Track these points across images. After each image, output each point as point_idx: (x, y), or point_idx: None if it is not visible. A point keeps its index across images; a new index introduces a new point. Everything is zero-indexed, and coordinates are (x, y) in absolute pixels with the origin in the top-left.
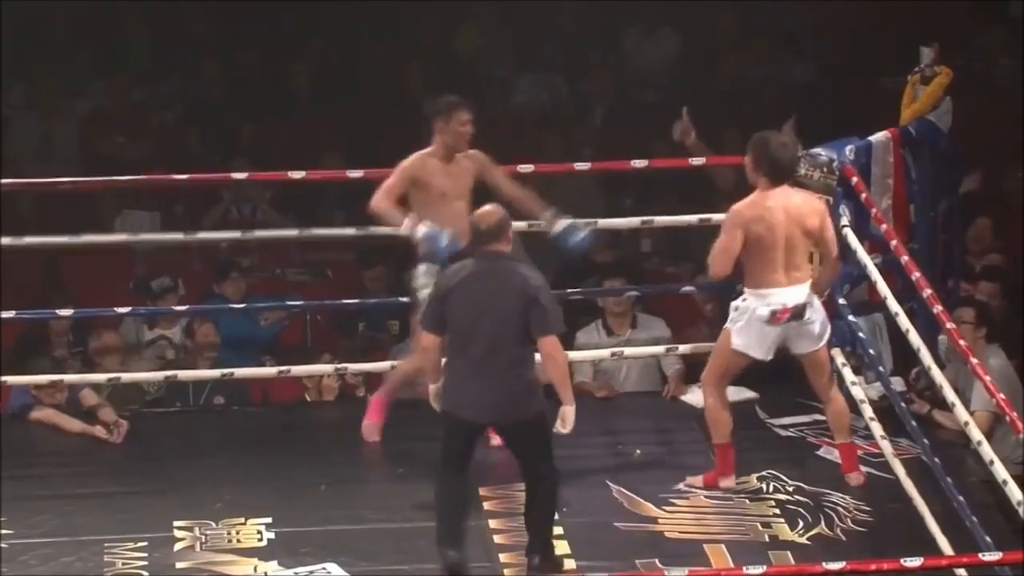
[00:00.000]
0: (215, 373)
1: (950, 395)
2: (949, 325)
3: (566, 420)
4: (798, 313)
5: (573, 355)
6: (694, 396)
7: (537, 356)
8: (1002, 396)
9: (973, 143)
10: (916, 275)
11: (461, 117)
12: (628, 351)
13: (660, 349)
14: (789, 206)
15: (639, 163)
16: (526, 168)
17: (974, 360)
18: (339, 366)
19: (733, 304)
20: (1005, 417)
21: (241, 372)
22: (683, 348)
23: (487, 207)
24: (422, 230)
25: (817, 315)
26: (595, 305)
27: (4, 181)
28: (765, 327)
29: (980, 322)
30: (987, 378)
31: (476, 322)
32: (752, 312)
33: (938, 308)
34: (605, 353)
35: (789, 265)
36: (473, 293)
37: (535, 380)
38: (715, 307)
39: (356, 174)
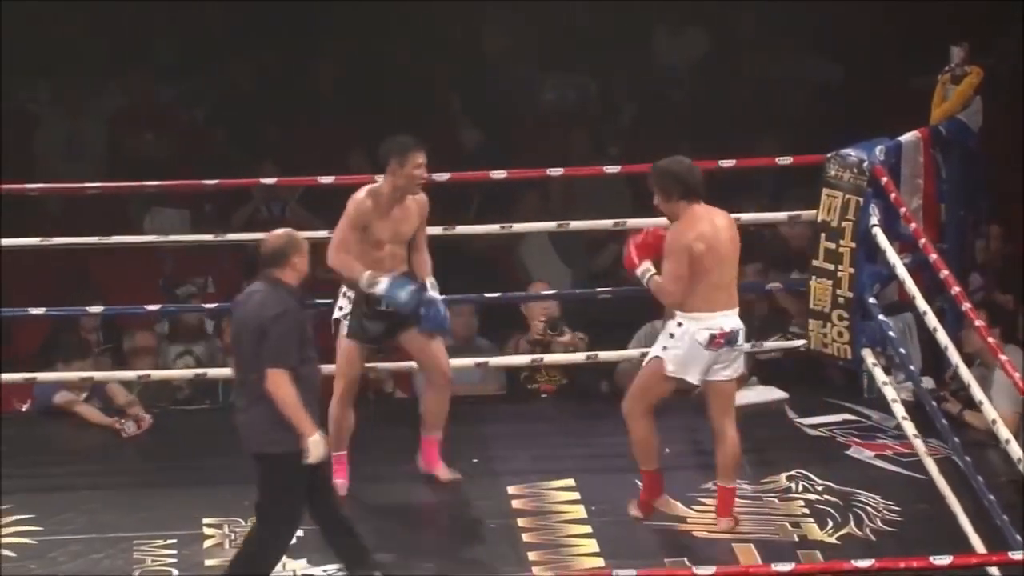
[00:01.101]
0: None
1: (978, 394)
2: (977, 323)
3: (310, 450)
4: (732, 338)
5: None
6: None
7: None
8: None
9: (1000, 143)
10: (944, 273)
11: (416, 159)
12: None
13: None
14: (719, 223)
15: None
16: (556, 171)
17: (1004, 357)
18: (368, 365)
19: (666, 331)
20: None
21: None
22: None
23: (278, 231)
24: (382, 284)
25: (743, 342)
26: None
27: (33, 186)
28: (703, 351)
29: (992, 324)
30: (1017, 375)
31: (235, 347)
32: (691, 336)
33: (966, 306)
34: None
35: (726, 286)
36: (235, 316)
37: (278, 416)
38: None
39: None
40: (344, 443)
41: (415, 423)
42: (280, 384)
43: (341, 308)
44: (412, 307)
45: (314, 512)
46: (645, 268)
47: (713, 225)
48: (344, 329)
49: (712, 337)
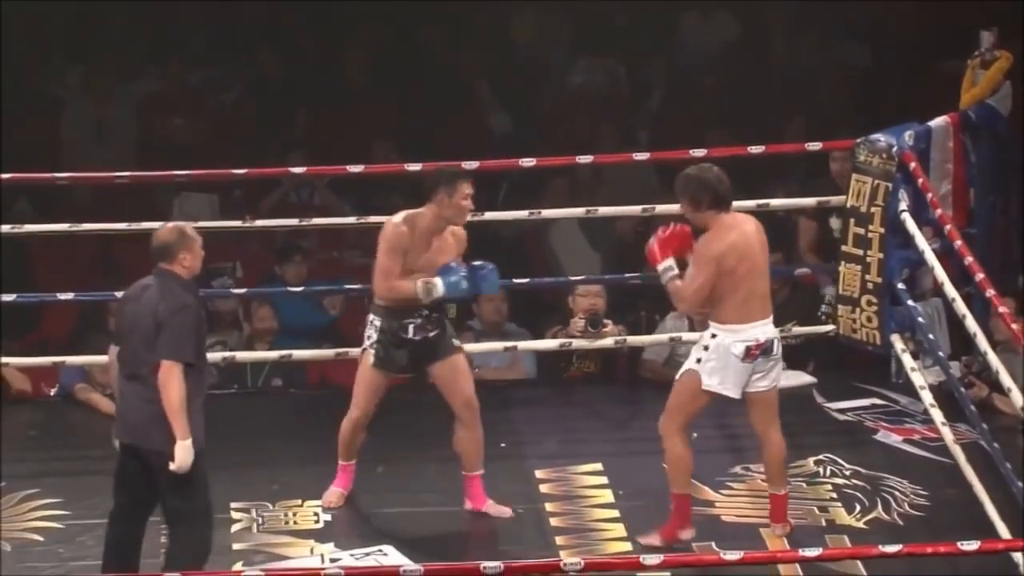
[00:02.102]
0: (273, 355)
1: (1006, 380)
2: (1001, 309)
3: (177, 456)
4: (768, 348)
5: (646, 338)
6: None
7: None
8: None
9: None
10: (969, 260)
11: (465, 190)
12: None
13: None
14: (749, 231)
15: (697, 152)
16: (585, 159)
17: None
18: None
19: (700, 344)
20: None
21: (299, 354)
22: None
23: (168, 224)
24: (439, 286)
25: (779, 351)
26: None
27: (62, 175)
28: (740, 364)
29: (1020, 313)
30: None
31: (126, 340)
32: (726, 349)
33: (990, 292)
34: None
35: (760, 296)
36: (125, 310)
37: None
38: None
39: (414, 167)
40: (353, 455)
41: (444, 405)
42: (171, 378)
43: (369, 338)
44: (474, 288)
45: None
46: (668, 266)
47: (744, 234)
48: (370, 359)
49: (748, 349)
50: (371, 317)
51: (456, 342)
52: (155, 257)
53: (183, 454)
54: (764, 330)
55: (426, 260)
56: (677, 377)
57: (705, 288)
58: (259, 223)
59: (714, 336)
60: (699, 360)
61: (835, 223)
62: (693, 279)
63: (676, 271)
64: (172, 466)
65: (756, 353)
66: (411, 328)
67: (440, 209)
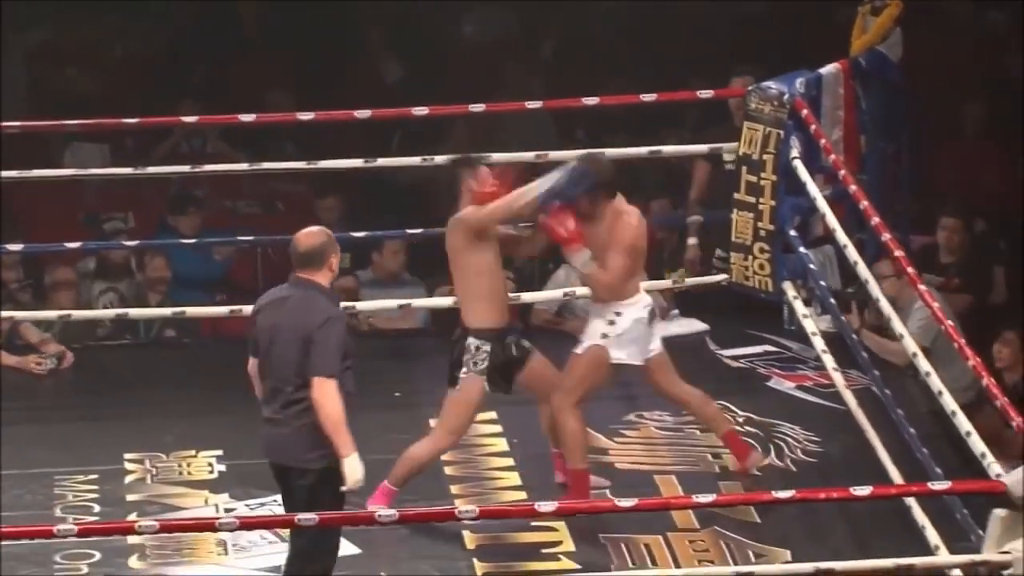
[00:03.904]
0: (166, 311)
1: (899, 327)
2: (897, 253)
3: (346, 473)
4: (654, 312)
5: (539, 295)
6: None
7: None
8: (950, 323)
9: (922, 77)
10: (864, 204)
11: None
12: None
13: None
14: (636, 211)
15: (590, 101)
16: (477, 107)
17: (922, 287)
18: None
19: (602, 321)
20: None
21: (192, 311)
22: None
23: (312, 228)
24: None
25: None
26: None
27: None
28: (647, 329)
29: (898, 271)
30: (935, 304)
31: (266, 353)
32: (633, 319)
33: (886, 236)
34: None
35: (641, 269)
36: (268, 321)
37: (319, 428)
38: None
39: (306, 117)
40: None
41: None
42: (327, 394)
43: (476, 364)
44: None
45: None
46: (587, 256)
47: (639, 215)
48: (484, 386)
49: (652, 314)
50: (475, 343)
51: (526, 343)
52: (298, 264)
53: (353, 471)
54: (648, 296)
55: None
56: (578, 352)
57: (626, 271)
58: (151, 170)
59: (618, 313)
60: (604, 335)
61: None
62: (616, 265)
63: (592, 257)
64: (346, 485)
65: (655, 316)
66: (512, 347)
67: None
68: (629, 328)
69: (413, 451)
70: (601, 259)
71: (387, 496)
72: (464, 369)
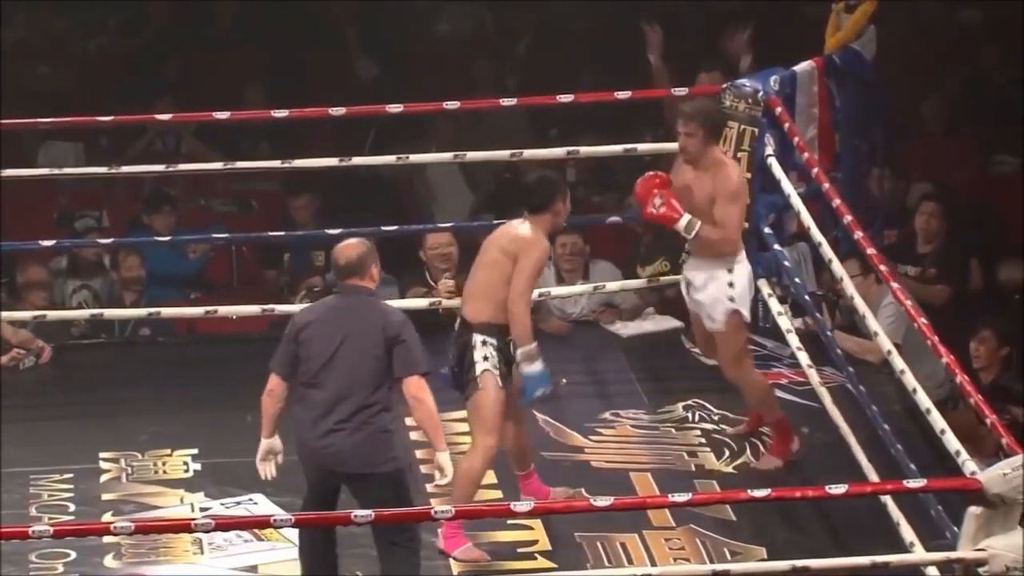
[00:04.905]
0: (142, 312)
1: (872, 324)
2: (870, 251)
3: (442, 468)
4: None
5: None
6: (622, 327)
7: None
8: (924, 320)
9: (894, 74)
10: (837, 202)
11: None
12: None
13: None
14: (731, 160)
15: (565, 98)
16: (452, 105)
17: (895, 284)
18: (266, 307)
19: (721, 283)
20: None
21: (168, 311)
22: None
23: (351, 240)
24: (536, 370)
25: None
26: None
27: None
28: (752, 281)
29: (865, 270)
30: (908, 302)
31: (328, 363)
32: (747, 275)
33: (859, 234)
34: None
35: None
36: (327, 331)
37: (391, 431)
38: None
39: (281, 114)
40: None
41: None
42: (423, 391)
43: (487, 359)
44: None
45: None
46: (691, 219)
47: (736, 165)
48: (496, 381)
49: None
50: (481, 339)
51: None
52: (342, 274)
53: (447, 463)
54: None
55: None
56: (718, 328)
57: (741, 221)
58: (124, 170)
59: (731, 271)
60: (731, 299)
61: None
62: (731, 216)
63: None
64: (440, 479)
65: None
66: (512, 347)
67: (555, 220)
68: (746, 285)
69: (464, 467)
70: (707, 211)
71: (457, 530)
72: (478, 368)
